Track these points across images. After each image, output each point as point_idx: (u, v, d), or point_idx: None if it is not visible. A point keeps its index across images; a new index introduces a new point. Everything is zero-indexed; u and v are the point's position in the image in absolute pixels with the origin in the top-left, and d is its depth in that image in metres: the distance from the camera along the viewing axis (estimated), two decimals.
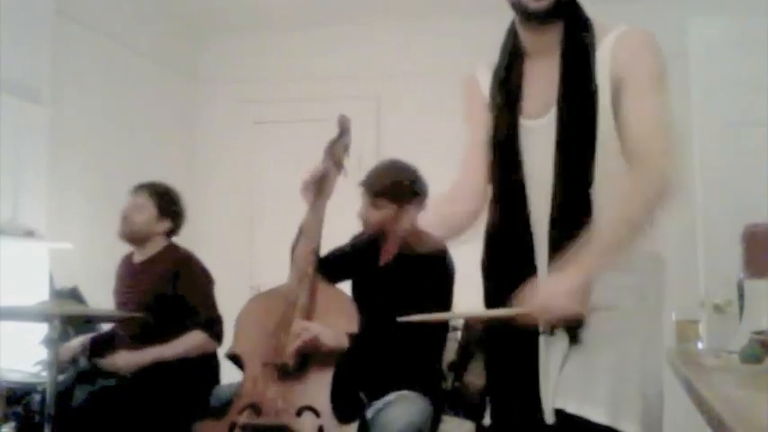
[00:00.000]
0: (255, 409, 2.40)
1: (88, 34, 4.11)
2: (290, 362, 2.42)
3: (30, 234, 3.49)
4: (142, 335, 2.94)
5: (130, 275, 3.10)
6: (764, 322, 1.97)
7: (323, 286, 2.59)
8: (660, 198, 1.59)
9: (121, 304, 3.06)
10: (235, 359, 2.62)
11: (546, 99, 1.70)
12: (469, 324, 2.81)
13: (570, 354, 1.64)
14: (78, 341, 3.06)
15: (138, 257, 3.10)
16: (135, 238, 3.07)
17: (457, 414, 2.75)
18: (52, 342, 2.47)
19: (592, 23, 1.72)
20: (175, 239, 3.18)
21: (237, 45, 5.12)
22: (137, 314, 2.90)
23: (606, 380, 1.61)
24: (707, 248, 3.37)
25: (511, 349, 1.73)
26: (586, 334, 1.63)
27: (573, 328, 1.62)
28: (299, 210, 2.74)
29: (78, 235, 3.81)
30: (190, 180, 4.95)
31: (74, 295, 3.43)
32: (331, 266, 2.71)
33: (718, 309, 3.15)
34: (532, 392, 1.68)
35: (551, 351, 1.68)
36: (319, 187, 2.66)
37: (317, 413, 2.35)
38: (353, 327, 2.47)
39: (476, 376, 2.68)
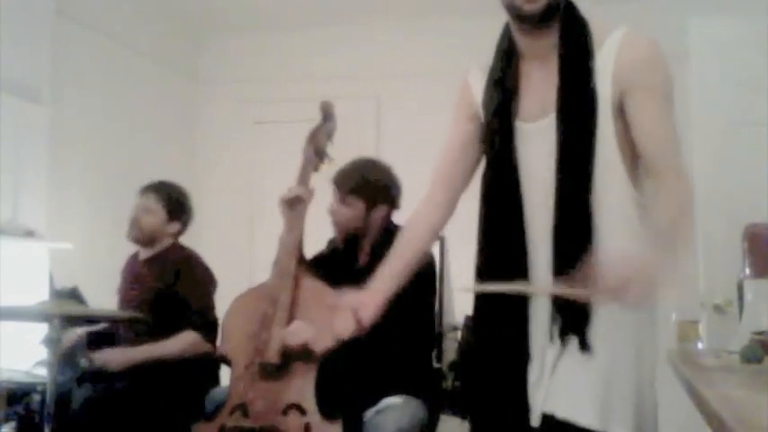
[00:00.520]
0: (243, 409, 2.40)
1: (88, 34, 4.11)
2: (273, 360, 2.41)
3: (30, 234, 3.49)
4: (140, 333, 2.94)
5: (134, 273, 3.10)
6: (764, 322, 1.98)
7: (307, 281, 2.56)
8: (690, 212, 1.63)
9: (124, 301, 3.06)
10: (224, 360, 2.62)
11: (543, 103, 1.68)
12: (469, 324, 2.81)
13: (562, 358, 1.64)
14: (76, 333, 3.04)
15: (144, 255, 3.10)
16: (143, 239, 3.06)
17: (457, 414, 2.74)
18: (52, 342, 2.47)
19: (588, 25, 1.69)
20: (184, 244, 3.18)
21: (237, 45, 5.11)
22: (136, 314, 2.90)
23: (598, 385, 1.60)
24: (707, 248, 3.37)
25: (500, 350, 1.72)
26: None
27: (582, 333, 1.61)
28: None
29: (78, 235, 3.81)
30: (190, 180, 4.93)
31: (74, 295, 3.42)
32: (320, 265, 2.70)
33: (718, 309, 3.15)
34: (520, 394, 1.67)
35: (544, 354, 1.67)
36: (297, 205, 2.64)
37: (302, 411, 2.35)
38: None
39: None
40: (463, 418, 2.71)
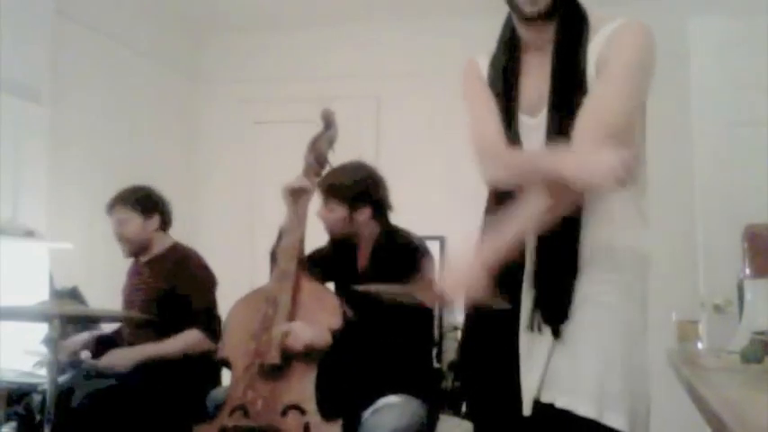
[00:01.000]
0: (244, 410, 2.40)
1: (88, 34, 4.11)
2: (272, 361, 2.41)
3: (30, 234, 3.50)
4: (143, 333, 2.94)
5: (137, 274, 3.13)
6: (764, 322, 1.97)
7: (306, 283, 2.57)
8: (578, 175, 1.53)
9: (127, 302, 3.08)
10: (225, 362, 2.63)
11: (540, 96, 1.69)
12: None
13: (556, 347, 1.65)
14: (81, 337, 3.06)
15: (144, 257, 3.12)
16: (137, 249, 3.10)
17: (457, 414, 2.75)
18: (52, 342, 2.47)
19: (587, 18, 1.69)
20: (175, 239, 3.18)
21: (237, 45, 5.12)
22: (136, 314, 2.91)
23: (593, 374, 1.60)
24: (707, 248, 3.37)
25: (490, 340, 1.73)
26: (573, 328, 1.64)
27: (556, 323, 1.63)
28: None
29: (78, 235, 3.81)
30: (190, 180, 4.95)
31: (74, 295, 3.43)
32: (314, 266, 2.71)
33: (718, 309, 3.15)
34: (511, 384, 1.67)
35: (535, 343, 1.67)
36: (301, 196, 2.66)
37: (302, 411, 2.36)
38: (337, 322, 2.46)
39: None
40: (463, 417, 2.71)
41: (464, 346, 1.87)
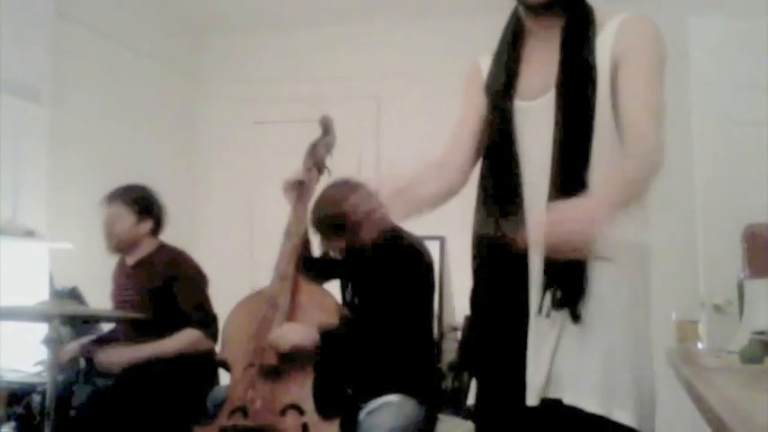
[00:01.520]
0: (243, 411, 2.41)
1: (88, 34, 4.11)
2: (270, 362, 2.42)
3: (30, 234, 3.49)
4: (139, 334, 2.94)
5: (124, 278, 3.10)
6: (764, 322, 1.97)
7: (305, 285, 2.57)
8: (649, 176, 1.58)
9: (118, 306, 3.06)
10: (223, 364, 2.63)
11: (543, 81, 1.70)
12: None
13: (562, 341, 1.65)
14: (78, 343, 3.06)
15: (130, 260, 3.10)
16: (123, 247, 3.07)
17: (457, 414, 2.75)
18: (52, 342, 2.47)
19: (593, 10, 1.73)
20: (175, 239, 3.18)
21: (237, 45, 5.12)
22: (136, 314, 2.91)
23: (599, 370, 1.61)
24: (707, 248, 3.37)
25: (499, 330, 1.73)
26: (579, 324, 1.63)
27: (574, 304, 1.62)
28: None
29: (78, 235, 3.81)
30: (190, 180, 4.95)
31: (74, 295, 3.43)
32: (315, 266, 2.71)
33: (718, 309, 3.15)
34: (519, 374, 1.67)
35: (542, 336, 1.67)
36: (300, 190, 2.65)
37: (300, 411, 2.36)
38: (334, 322, 2.47)
39: None
40: (463, 417, 2.71)
41: (469, 340, 1.87)
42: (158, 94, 4.77)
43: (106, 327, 3.29)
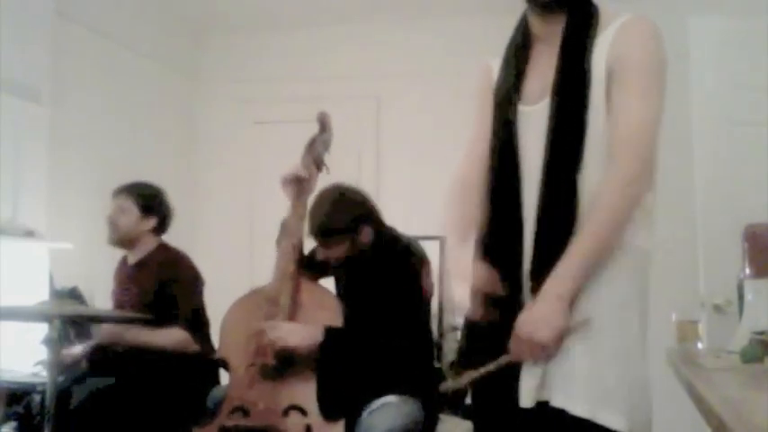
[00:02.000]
0: (244, 411, 2.40)
1: (88, 34, 4.11)
2: (269, 362, 2.41)
3: (30, 234, 3.49)
4: None
5: (124, 278, 3.11)
6: (764, 322, 1.97)
7: (306, 284, 2.56)
8: (629, 199, 1.61)
9: (117, 306, 3.07)
10: (222, 363, 2.62)
11: (544, 85, 1.71)
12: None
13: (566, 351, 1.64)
14: (81, 347, 3.05)
15: (132, 259, 3.11)
16: (123, 241, 3.07)
17: (456, 414, 2.74)
18: (52, 342, 2.47)
19: (598, 12, 1.72)
20: (175, 239, 3.18)
21: (237, 45, 5.12)
22: (135, 314, 2.91)
23: (587, 374, 1.61)
24: (707, 248, 3.37)
25: (493, 334, 1.72)
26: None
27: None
28: None
29: (78, 235, 3.81)
30: (190, 180, 4.95)
31: (74, 295, 3.43)
32: (311, 263, 2.70)
33: (718, 309, 3.15)
34: (513, 376, 1.67)
35: None
36: (299, 186, 2.65)
37: (303, 412, 2.35)
38: (337, 322, 2.46)
39: None
40: (463, 417, 2.71)
41: (464, 346, 1.87)
42: (158, 94, 4.77)
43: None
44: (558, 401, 1.62)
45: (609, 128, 1.63)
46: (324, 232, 2.56)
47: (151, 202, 3.10)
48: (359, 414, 2.41)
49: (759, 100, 3.24)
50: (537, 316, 1.58)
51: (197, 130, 5.12)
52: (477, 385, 1.79)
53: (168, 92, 4.90)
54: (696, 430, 1.63)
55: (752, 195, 3.16)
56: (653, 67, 1.65)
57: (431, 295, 2.65)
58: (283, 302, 2.50)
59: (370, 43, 4.86)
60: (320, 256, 2.62)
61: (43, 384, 2.67)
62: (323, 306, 2.50)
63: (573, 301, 1.60)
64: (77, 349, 3.03)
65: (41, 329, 2.66)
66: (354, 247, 2.57)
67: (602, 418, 1.57)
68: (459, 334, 2.94)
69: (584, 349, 1.61)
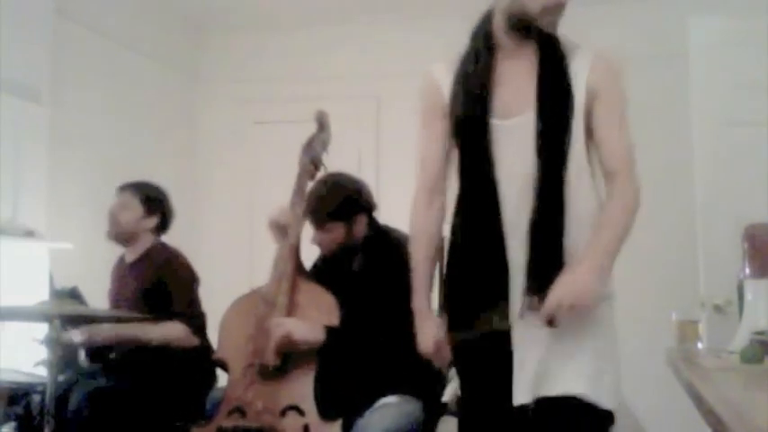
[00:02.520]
0: (241, 411, 2.40)
1: (88, 34, 4.11)
2: (271, 362, 2.41)
3: (30, 234, 3.49)
4: None
5: (121, 276, 3.12)
6: (764, 322, 1.98)
7: (304, 284, 2.56)
8: (635, 210, 1.78)
9: (114, 304, 3.08)
10: (221, 364, 2.62)
11: (520, 101, 1.76)
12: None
13: (550, 345, 1.74)
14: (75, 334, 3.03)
15: (129, 258, 3.12)
16: (123, 237, 3.09)
17: (456, 414, 2.74)
18: (52, 342, 2.47)
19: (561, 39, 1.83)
20: (175, 239, 3.19)
21: (237, 45, 5.11)
22: (136, 314, 2.91)
23: (586, 365, 1.74)
24: (707, 248, 3.37)
25: (484, 336, 1.80)
26: (566, 325, 1.73)
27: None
28: None
29: (78, 235, 3.81)
30: (190, 180, 4.95)
31: (74, 295, 3.42)
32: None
33: (718, 309, 3.15)
34: (504, 377, 1.75)
35: (527, 340, 1.76)
36: (284, 231, 2.61)
37: (301, 412, 2.35)
38: (334, 321, 2.46)
39: None
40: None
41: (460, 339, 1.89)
42: (158, 94, 4.77)
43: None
44: (562, 389, 1.72)
45: (598, 151, 1.80)
46: (317, 213, 2.58)
47: (155, 203, 3.12)
48: (359, 414, 2.41)
49: (759, 100, 3.24)
50: (583, 282, 1.68)
51: (197, 130, 5.12)
52: (467, 384, 1.86)
53: (168, 92, 4.90)
54: (696, 430, 1.64)
55: (752, 195, 3.16)
56: (623, 102, 1.82)
57: None
58: (281, 302, 2.50)
59: (370, 43, 4.85)
60: (314, 241, 2.63)
61: (43, 384, 2.66)
62: (320, 305, 2.50)
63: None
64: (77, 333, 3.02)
65: (41, 329, 2.66)
66: (349, 236, 2.58)
67: (601, 402, 1.71)
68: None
69: (580, 345, 1.74)
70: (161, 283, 2.96)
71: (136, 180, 3.16)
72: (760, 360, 1.72)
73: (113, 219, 3.07)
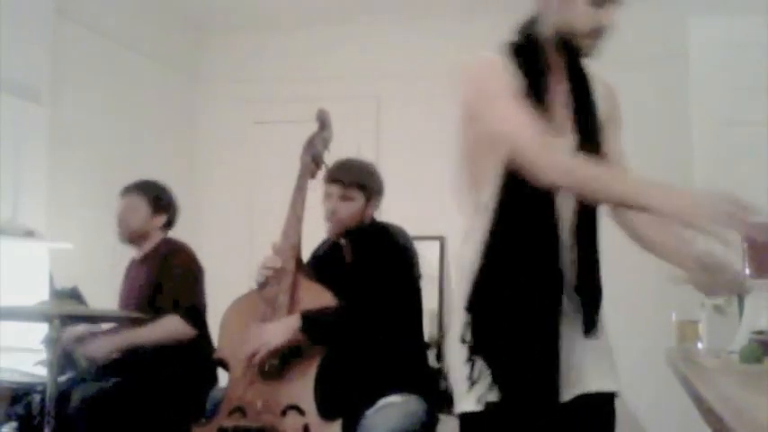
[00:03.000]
0: (242, 411, 2.40)
1: (88, 34, 4.11)
2: (270, 363, 2.41)
3: (30, 234, 3.50)
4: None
5: (131, 273, 3.16)
6: (764, 322, 1.98)
7: (304, 283, 2.56)
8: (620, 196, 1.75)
9: (123, 302, 3.11)
10: (221, 363, 2.62)
11: (557, 122, 1.72)
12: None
13: (586, 342, 1.78)
14: (76, 330, 3.03)
15: (138, 255, 3.16)
16: (134, 238, 3.13)
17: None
18: (52, 342, 2.47)
19: None
20: (175, 238, 3.19)
21: (237, 45, 5.12)
22: (135, 313, 2.91)
23: (609, 362, 1.83)
24: (706, 248, 3.37)
25: (532, 333, 1.75)
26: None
27: (593, 324, 1.80)
28: None
29: (78, 235, 3.81)
30: (190, 180, 4.95)
31: (74, 295, 3.42)
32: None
33: (718, 309, 3.15)
34: (551, 373, 1.74)
35: (569, 338, 1.76)
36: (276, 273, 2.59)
37: (301, 412, 2.35)
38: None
39: None
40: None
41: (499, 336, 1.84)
42: (158, 93, 4.77)
43: (106, 327, 3.29)
44: (598, 386, 1.78)
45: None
46: (350, 175, 2.61)
47: (161, 200, 3.16)
48: (360, 414, 2.41)
49: (759, 100, 3.25)
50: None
51: (197, 130, 5.12)
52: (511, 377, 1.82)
53: (168, 92, 4.90)
54: (696, 430, 1.64)
55: (752, 195, 3.15)
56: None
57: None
58: (281, 301, 2.50)
59: (370, 43, 4.85)
60: (330, 214, 2.60)
61: (43, 384, 2.67)
62: (321, 303, 2.50)
63: None
64: (80, 328, 3.02)
65: (41, 329, 2.66)
66: (359, 214, 2.59)
67: (615, 388, 1.80)
68: None
69: (602, 344, 1.83)
70: (163, 277, 2.98)
71: (138, 180, 3.18)
72: (760, 360, 1.72)
73: (123, 222, 3.11)
